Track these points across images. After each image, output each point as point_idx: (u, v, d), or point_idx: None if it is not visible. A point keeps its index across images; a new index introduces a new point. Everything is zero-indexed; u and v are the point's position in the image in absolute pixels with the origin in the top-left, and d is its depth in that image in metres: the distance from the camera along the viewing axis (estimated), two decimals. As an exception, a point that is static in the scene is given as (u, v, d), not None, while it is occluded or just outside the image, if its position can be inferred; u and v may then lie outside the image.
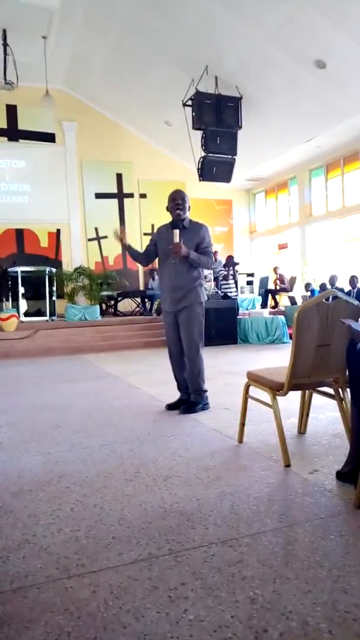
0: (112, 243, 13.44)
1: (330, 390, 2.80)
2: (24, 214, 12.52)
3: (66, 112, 12.67)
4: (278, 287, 12.38)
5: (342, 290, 8.91)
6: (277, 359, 6.40)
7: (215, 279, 10.87)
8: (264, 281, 12.70)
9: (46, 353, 8.46)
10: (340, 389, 2.73)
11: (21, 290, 10.14)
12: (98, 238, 13.40)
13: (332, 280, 10.16)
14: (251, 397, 2.89)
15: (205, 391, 3.87)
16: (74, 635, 1.34)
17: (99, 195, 13.41)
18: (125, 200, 13.69)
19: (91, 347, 8.79)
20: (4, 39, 9.75)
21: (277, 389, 2.60)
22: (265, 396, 2.71)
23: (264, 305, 11.77)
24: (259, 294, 12.30)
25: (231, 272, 11.49)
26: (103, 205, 13.47)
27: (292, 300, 11.81)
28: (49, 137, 12.80)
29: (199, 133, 9.99)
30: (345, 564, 1.63)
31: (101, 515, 2.05)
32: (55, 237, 12.95)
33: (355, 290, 9.30)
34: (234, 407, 3.75)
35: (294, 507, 2.08)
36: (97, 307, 10.81)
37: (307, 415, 3.13)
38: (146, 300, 11.88)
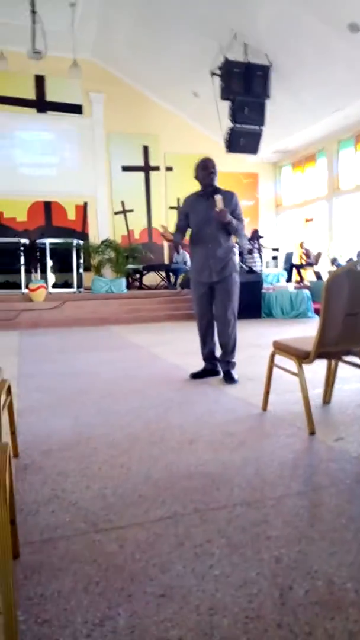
0: (138, 217, 13.44)
1: (357, 360, 2.76)
2: (52, 187, 12.51)
3: (93, 83, 12.50)
4: (304, 262, 12.19)
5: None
6: (300, 333, 6.34)
7: (240, 253, 10.73)
8: (289, 256, 12.51)
9: (73, 323, 8.58)
10: (368, 359, 2.70)
11: (49, 262, 10.22)
12: (124, 211, 13.35)
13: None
14: (277, 365, 2.87)
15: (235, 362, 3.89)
16: (102, 585, 1.38)
17: (125, 168, 13.31)
18: (152, 173, 13.55)
19: (117, 319, 8.86)
20: (32, 6, 9.59)
21: (303, 357, 2.58)
22: (291, 366, 2.70)
23: (288, 279, 11.62)
24: (284, 269, 12.14)
25: (256, 246, 11.34)
26: (129, 178, 13.38)
27: (318, 275, 11.63)
28: (77, 109, 12.68)
29: (226, 104, 9.77)
30: (371, 527, 1.62)
31: (128, 474, 2.09)
32: (83, 210, 12.95)
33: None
34: (257, 378, 3.74)
35: (319, 472, 2.08)
36: (123, 280, 10.86)
37: (333, 385, 3.11)
38: (171, 274, 11.87)
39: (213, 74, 9.65)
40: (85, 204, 12.96)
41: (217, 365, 3.98)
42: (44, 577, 1.42)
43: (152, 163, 13.51)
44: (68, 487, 1.98)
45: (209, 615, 1.25)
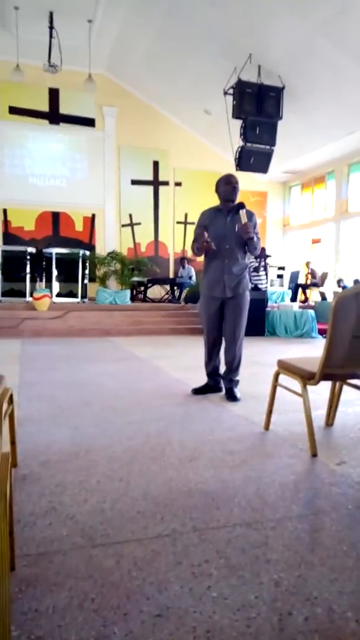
0: (145, 230, 13.51)
1: (363, 383, 2.74)
2: (61, 198, 12.63)
3: (107, 97, 12.68)
4: (309, 282, 12.20)
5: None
6: (304, 353, 6.31)
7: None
8: (294, 275, 12.53)
9: (77, 334, 8.57)
10: (373, 383, 2.68)
11: (55, 271, 10.26)
12: (132, 224, 13.43)
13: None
14: (280, 385, 2.86)
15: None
16: (98, 601, 1.35)
17: (134, 182, 13.42)
18: (160, 187, 13.66)
19: (120, 331, 8.86)
20: (51, 21, 9.78)
21: (308, 378, 2.56)
22: (295, 386, 2.68)
23: (293, 299, 11.63)
24: (289, 288, 12.15)
25: (262, 264, 11.36)
26: (138, 192, 13.48)
27: (323, 296, 11.63)
28: (89, 122, 12.84)
29: (238, 122, 9.87)
30: (373, 555, 1.59)
31: (127, 489, 2.06)
32: (90, 221, 13.03)
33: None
34: (260, 396, 3.73)
35: (321, 495, 2.05)
36: (128, 292, 10.89)
37: (336, 407, 3.08)
38: (175, 287, 11.89)
39: (226, 93, 9.77)
40: (93, 215, 13.05)
41: (219, 382, 3.96)
42: (39, 592, 1.39)
43: (161, 178, 13.62)
44: (66, 500, 1.95)
45: (206, 638, 1.22)
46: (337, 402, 3.07)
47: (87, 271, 10.84)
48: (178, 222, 13.74)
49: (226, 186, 3.75)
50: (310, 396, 2.65)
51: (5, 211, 12.31)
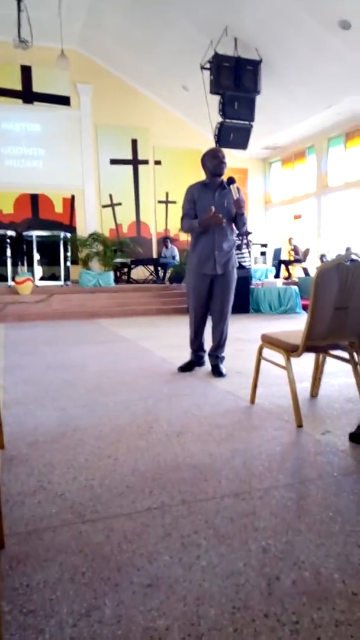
0: (127, 210, 13.35)
1: (345, 354, 2.77)
2: (39, 179, 12.38)
3: (81, 74, 12.37)
4: (292, 258, 12.23)
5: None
6: (289, 328, 6.34)
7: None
8: (277, 252, 12.54)
9: (61, 317, 8.52)
10: (355, 353, 2.71)
11: (36, 255, 10.12)
12: (112, 205, 13.26)
13: (348, 252, 9.99)
14: (265, 358, 2.88)
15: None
16: (89, 575, 1.36)
17: (113, 162, 13.20)
18: (140, 166, 13.47)
19: (105, 313, 8.82)
20: (18, -7, 9.43)
21: (291, 351, 2.58)
22: (279, 359, 2.70)
23: (277, 276, 11.66)
24: (272, 265, 12.17)
25: (245, 242, 11.35)
26: (118, 171, 13.28)
27: (306, 272, 11.68)
28: (64, 100, 12.54)
29: (216, 98, 9.73)
30: (358, 520, 1.63)
31: (115, 466, 2.07)
32: (70, 203, 12.83)
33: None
34: (245, 372, 3.75)
35: (307, 465, 2.09)
36: (111, 273, 10.81)
37: (320, 379, 3.12)
38: (159, 268, 11.83)
39: (203, 67, 9.61)
40: (73, 197, 12.84)
41: (203, 357, 3.97)
42: (29, 568, 1.40)
43: (140, 156, 13.42)
44: (54, 479, 1.96)
45: (196, 605, 1.24)
46: (321, 373, 3.11)
47: (69, 254, 10.72)
48: (159, 202, 13.60)
49: (213, 160, 3.67)
50: (295, 369, 2.68)
51: (-18, 195, 12.07)
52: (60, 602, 1.25)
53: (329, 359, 3.03)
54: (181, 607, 1.23)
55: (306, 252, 12.11)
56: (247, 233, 11.56)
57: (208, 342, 3.92)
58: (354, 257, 2.51)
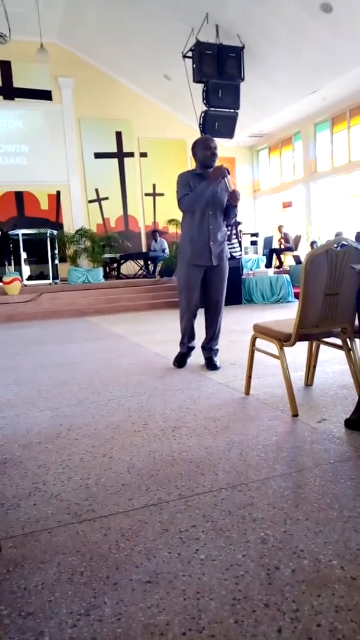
0: (113, 204, 13.27)
1: (338, 341, 2.77)
2: (23, 176, 12.27)
3: (62, 67, 12.23)
4: (283, 247, 12.22)
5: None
6: (281, 317, 6.34)
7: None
8: (268, 241, 12.52)
9: (51, 316, 8.46)
10: (348, 339, 2.70)
11: (23, 254, 10.03)
12: (99, 199, 13.17)
13: (337, 238, 10.00)
14: (258, 349, 2.87)
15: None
16: (87, 574, 1.35)
17: (98, 155, 13.10)
18: (126, 159, 13.37)
19: (96, 310, 8.78)
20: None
21: (284, 340, 2.57)
22: (272, 349, 2.69)
23: (268, 265, 11.64)
24: (263, 254, 12.16)
25: (234, 232, 11.31)
26: (103, 165, 13.18)
27: (297, 260, 11.66)
28: (46, 95, 12.41)
29: (200, 87, 9.65)
30: (356, 505, 1.63)
31: (110, 464, 2.06)
32: (56, 199, 12.73)
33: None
34: (239, 363, 3.75)
35: (303, 453, 2.08)
36: (100, 269, 10.75)
37: (314, 367, 3.11)
38: (149, 262, 11.77)
39: (185, 56, 9.51)
40: (58, 192, 12.75)
41: (194, 347, 3.92)
42: (27, 570, 1.39)
43: (125, 149, 13.33)
44: (49, 480, 1.94)
45: (196, 599, 1.23)
46: (315, 362, 3.10)
47: (56, 251, 10.64)
48: (147, 194, 13.54)
49: (205, 151, 3.61)
50: (289, 358, 2.67)
51: (-34, 195, 11.95)
52: (59, 603, 1.24)
53: (322, 347, 3.03)
54: (181, 602, 1.22)
55: (297, 240, 12.10)
56: (237, 223, 11.53)
57: (199, 336, 3.89)
58: (344, 242, 2.49)
